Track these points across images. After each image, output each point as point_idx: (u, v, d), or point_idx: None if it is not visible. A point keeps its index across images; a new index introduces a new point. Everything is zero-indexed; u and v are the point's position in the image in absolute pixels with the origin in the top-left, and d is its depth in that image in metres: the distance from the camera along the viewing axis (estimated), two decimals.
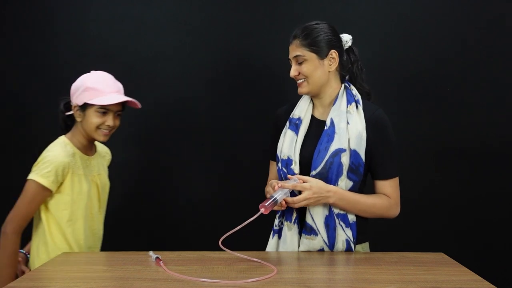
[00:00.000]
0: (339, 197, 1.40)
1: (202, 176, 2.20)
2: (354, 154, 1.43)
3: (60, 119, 1.61)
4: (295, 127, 1.52)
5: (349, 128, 1.44)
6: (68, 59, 2.14)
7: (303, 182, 1.39)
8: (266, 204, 1.31)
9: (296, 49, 1.47)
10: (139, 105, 1.58)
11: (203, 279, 1.16)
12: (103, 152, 1.74)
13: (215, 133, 2.19)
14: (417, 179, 2.14)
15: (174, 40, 2.14)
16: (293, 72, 1.48)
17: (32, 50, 2.14)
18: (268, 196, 1.42)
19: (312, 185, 1.38)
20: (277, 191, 1.36)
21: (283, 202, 1.37)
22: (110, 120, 1.53)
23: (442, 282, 1.17)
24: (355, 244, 1.46)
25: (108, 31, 2.13)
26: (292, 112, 1.57)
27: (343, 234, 1.44)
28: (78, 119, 1.55)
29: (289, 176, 1.44)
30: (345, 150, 1.42)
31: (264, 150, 1.73)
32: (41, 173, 1.47)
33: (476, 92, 2.12)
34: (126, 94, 1.58)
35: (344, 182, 1.43)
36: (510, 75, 2.11)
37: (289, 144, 1.50)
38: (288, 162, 1.48)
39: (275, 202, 1.33)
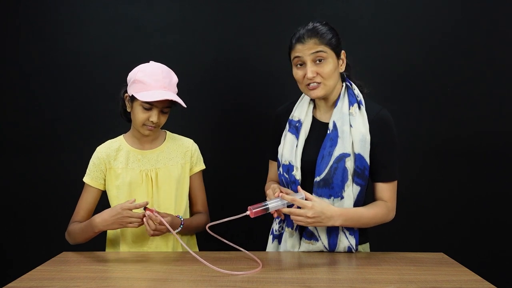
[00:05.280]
0: (345, 218, 1.34)
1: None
2: (358, 158, 1.39)
3: (120, 106, 1.59)
4: (295, 130, 1.47)
5: (352, 131, 1.40)
6: (68, 59, 2.14)
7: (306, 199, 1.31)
8: (253, 209, 1.28)
9: (315, 47, 1.36)
10: (184, 105, 1.50)
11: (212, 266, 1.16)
12: (180, 144, 1.64)
13: (214, 133, 2.19)
14: (417, 179, 2.14)
15: (174, 40, 2.14)
16: (311, 73, 1.36)
17: (31, 50, 2.14)
18: (267, 198, 1.39)
19: (315, 205, 1.29)
20: (274, 200, 1.32)
21: (284, 210, 1.31)
22: (154, 116, 1.47)
23: (442, 282, 1.17)
24: (356, 250, 1.44)
25: (108, 31, 2.13)
26: (291, 113, 1.52)
27: (346, 241, 1.42)
28: (128, 110, 1.54)
29: (298, 188, 1.35)
30: (349, 155, 1.38)
31: (264, 151, 1.72)
32: (86, 172, 1.57)
33: (476, 92, 2.11)
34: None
35: (351, 188, 1.39)
36: (511, 75, 2.11)
37: (290, 149, 1.46)
38: (289, 168, 1.44)
39: (266, 209, 1.30)
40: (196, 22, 2.14)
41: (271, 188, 1.40)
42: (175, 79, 1.53)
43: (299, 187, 1.37)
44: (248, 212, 1.29)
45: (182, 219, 1.50)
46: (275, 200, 1.32)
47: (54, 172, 2.16)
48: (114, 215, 1.37)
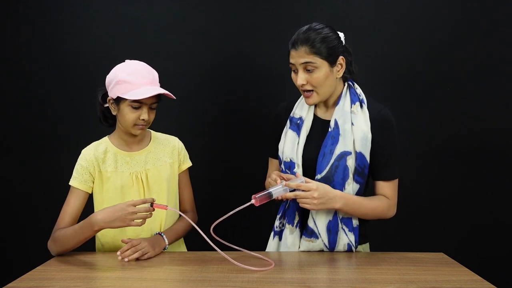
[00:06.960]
0: (345, 202, 1.36)
1: (201, 177, 2.20)
2: (359, 156, 1.40)
3: (98, 111, 1.56)
4: (297, 128, 1.48)
5: (354, 129, 1.41)
6: (68, 59, 2.14)
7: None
8: (257, 196, 1.29)
9: (305, 56, 1.35)
10: (174, 97, 1.47)
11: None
12: (167, 143, 1.62)
13: (215, 134, 2.19)
14: (416, 179, 2.14)
15: (174, 40, 2.14)
16: (300, 81, 1.37)
17: (31, 50, 2.14)
18: (270, 186, 1.38)
19: (319, 186, 1.32)
20: (276, 186, 1.32)
21: (288, 194, 1.31)
22: (144, 114, 1.45)
23: (442, 282, 1.18)
24: (356, 248, 1.44)
25: (108, 31, 2.13)
26: (293, 111, 1.53)
27: (345, 238, 1.42)
28: (114, 113, 1.50)
29: (297, 174, 1.38)
30: (350, 153, 1.39)
31: (263, 151, 1.72)
32: (73, 175, 1.50)
33: (476, 92, 2.11)
34: None
35: (351, 186, 1.40)
36: (511, 75, 2.11)
37: (291, 146, 1.46)
38: (290, 165, 1.45)
39: (270, 196, 1.30)
40: (196, 22, 2.14)
41: (271, 178, 1.40)
42: (156, 73, 1.52)
43: (297, 173, 1.38)
44: (253, 201, 1.29)
45: (163, 235, 1.48)
46: (278, 186, 1.32)
47: (54, 172, 2.16)
48: (118, 211, 1.30)
